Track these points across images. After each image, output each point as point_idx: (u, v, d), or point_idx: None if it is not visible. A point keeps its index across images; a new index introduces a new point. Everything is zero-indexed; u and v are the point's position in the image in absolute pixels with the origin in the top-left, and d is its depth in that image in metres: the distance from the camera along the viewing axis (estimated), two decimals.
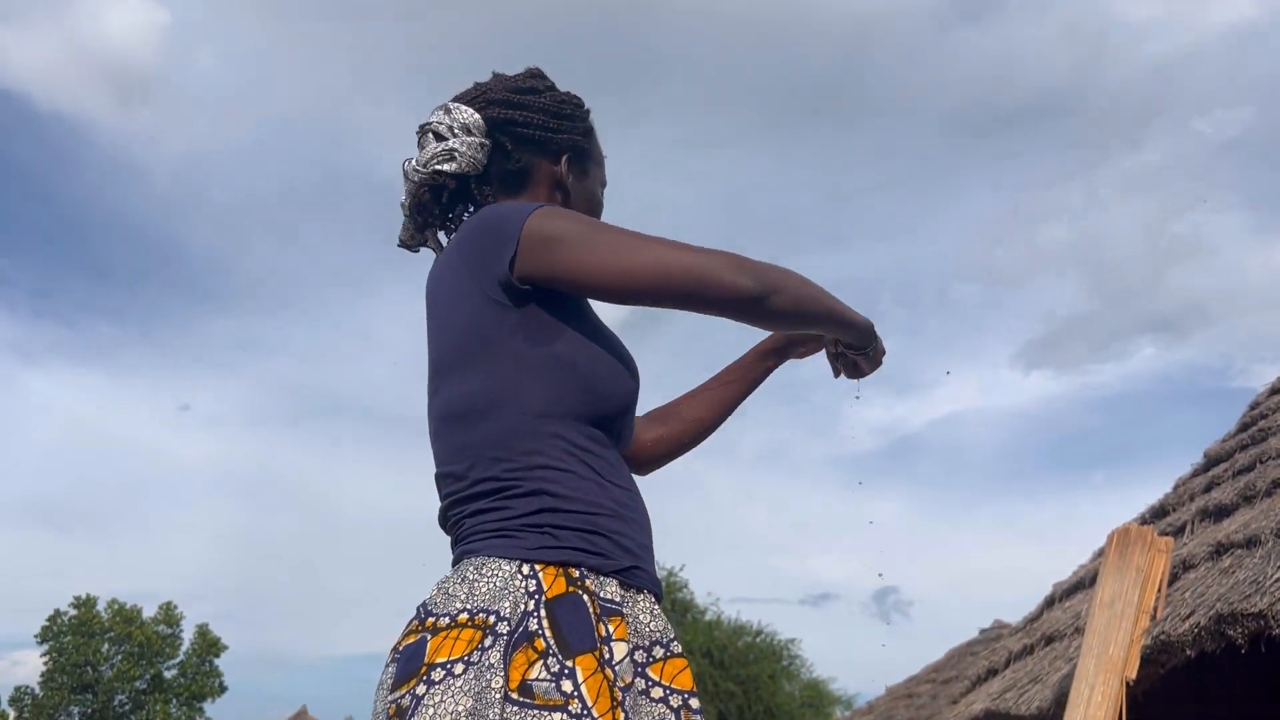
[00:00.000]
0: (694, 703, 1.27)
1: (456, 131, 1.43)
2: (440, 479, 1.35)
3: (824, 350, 1.66)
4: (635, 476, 1.60)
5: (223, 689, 27.92)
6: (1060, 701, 4.10)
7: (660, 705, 1.25)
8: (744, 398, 1.68)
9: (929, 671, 13.31)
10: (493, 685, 1.11)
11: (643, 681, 1.25)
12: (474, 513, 1.28)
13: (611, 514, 1.28)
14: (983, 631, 12.42)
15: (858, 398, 1.68)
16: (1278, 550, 3.79)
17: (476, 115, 1.43)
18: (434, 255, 1.49)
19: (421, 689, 1.13)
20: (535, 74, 1.51)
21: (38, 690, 26.45)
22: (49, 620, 27.12)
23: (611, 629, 1.21)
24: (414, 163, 1.45)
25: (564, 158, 1.48)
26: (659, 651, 1.28)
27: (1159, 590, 3.22)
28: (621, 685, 1.18)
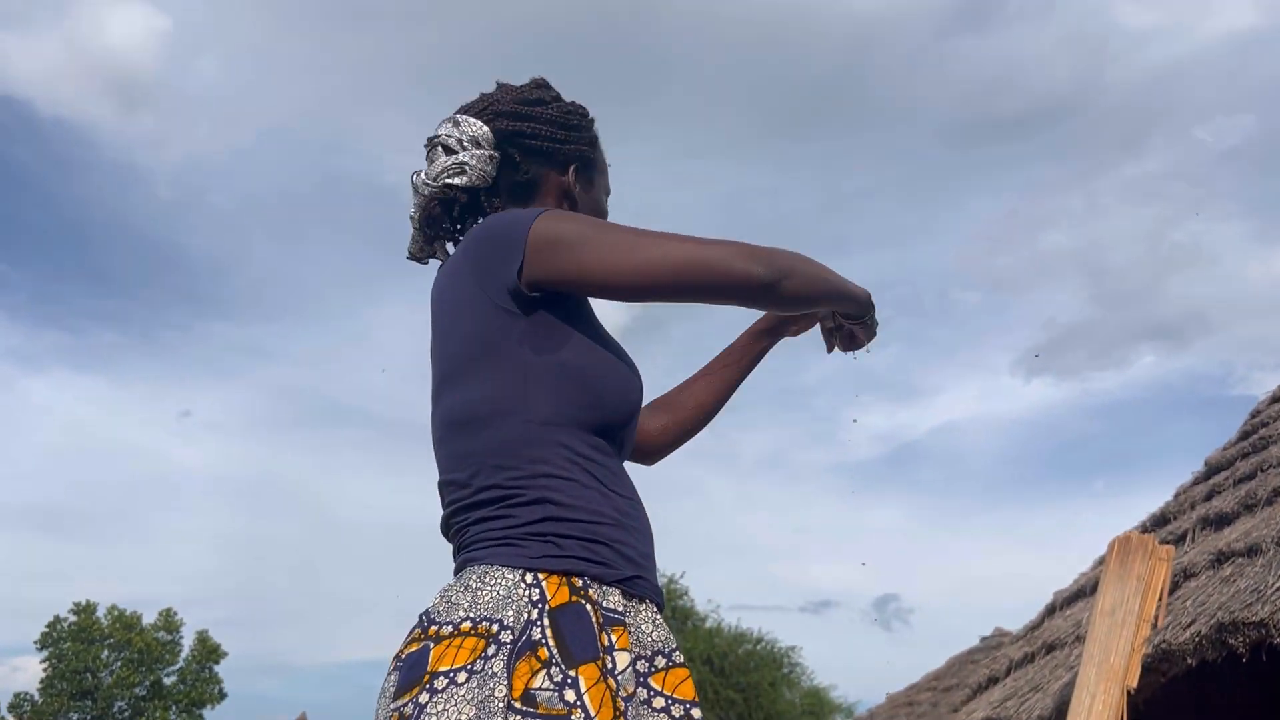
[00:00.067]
0: (696, 713, 1.27)
1: (466, 145, 1.43)
2: (443, 486, 1.35)
3: (818, 326, 1.66)
4: (643, 467, 1.61)
5: (222, 696, 27.89)
6: (1061, 710, 4.09)
7: (662, 715, 1.25)
8: (742, 380, 1.70)
9: (930, 679, 13.28)
10: (496, 694, 1.11)
11: (645, 691, 1.25)
12: (477, 521, 1.28)
13: (614, 523, 1.28)
14: (984, 639, 12.39)
15: (855, 421, 1.70)
16: (1279, 559, 3.78)
17: (485, 128, 1.44)
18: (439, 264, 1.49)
19: (424, 697, 1.13)
20: (541, 84, 1.51)
21: (37, 697, 26.40)
22: (49, 626, 27.10)
23: (614, 638, 1.21)
24: (423, 176, 1.45)
25: (571, 168, 1.48)
26: (661, 661, 1.28)
27: (1160, 599, 3.22)
28: (624, 695, 1.18)
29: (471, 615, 1.18)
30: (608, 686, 1.16)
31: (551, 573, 1.21)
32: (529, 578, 1.20)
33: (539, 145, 1.45)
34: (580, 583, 1.22)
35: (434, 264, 1.51)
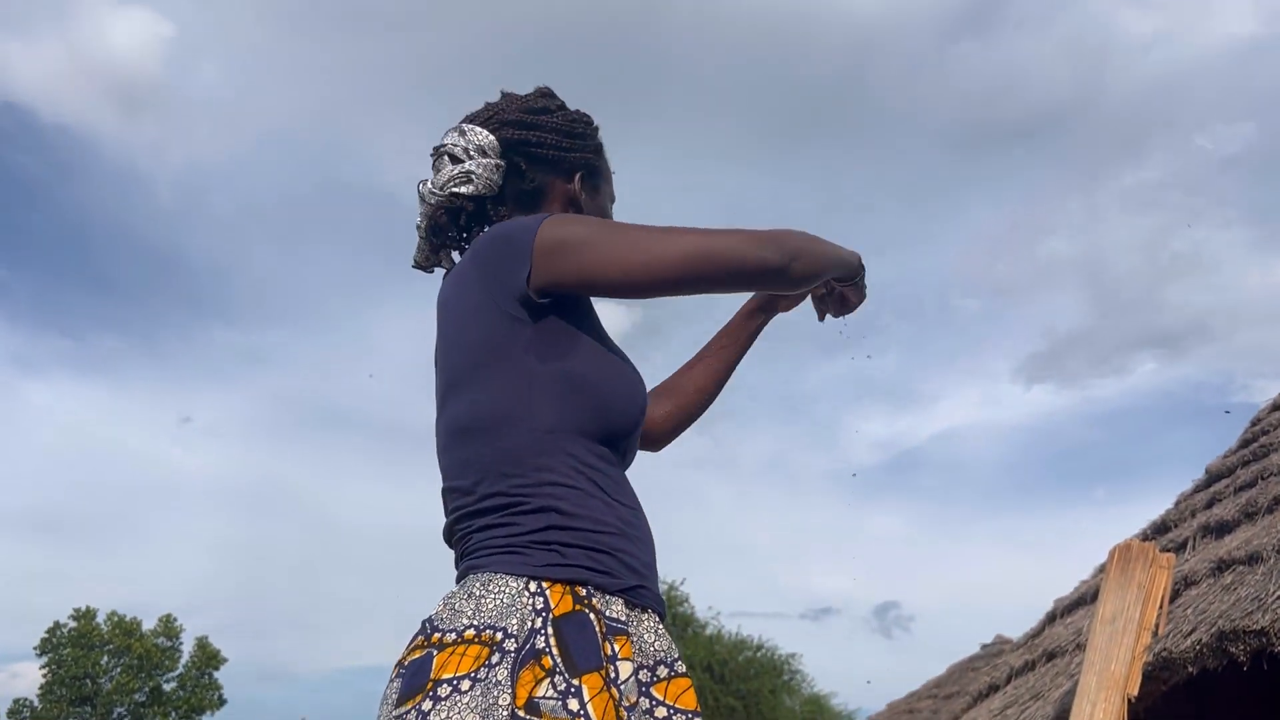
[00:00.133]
0: None
1: (472, 153, 1.44)
2: (447, 493, 1.35)
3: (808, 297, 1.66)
4: (649, 454, 1.61)
5: (222, 702, 27.84)
6: (1062, 718, 4.09)
7: None
8: (739, 359, 1.72)
9: (930, 687, 13.27)
10: (500, 702, 1.10)
11: (647, 701, 1.25)
12: (481, 528, 1.27)
13: (618, 533, 1.28)
14: (984, 647, 12.38)
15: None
16: (1279, 567, 3.78)
17: (491, 136, 1.44)
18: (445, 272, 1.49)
19: (427, 705, 1.12)
20: (546, 93, 1.52)
21: (36, 703, 26.36)
22: (48, 632, 27.06)
23: (617, 648, 1.21)
24: (430, 185, 1.46)
25: (577, 175, 1.49)
26: (663, 671, 1.28)
27: (1161, 607, 3.22)
28: (627, 705, 1.18)
29: (475, 623, 1.18)
30: (611, 696, 1.15)
31: (555, 581, 1.21)
32: (533, 586, 1.20)
33: (545, 153, 1.46)
34: (584, 592, 1.22)
35: (438, 271, 1.51)
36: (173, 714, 26.84)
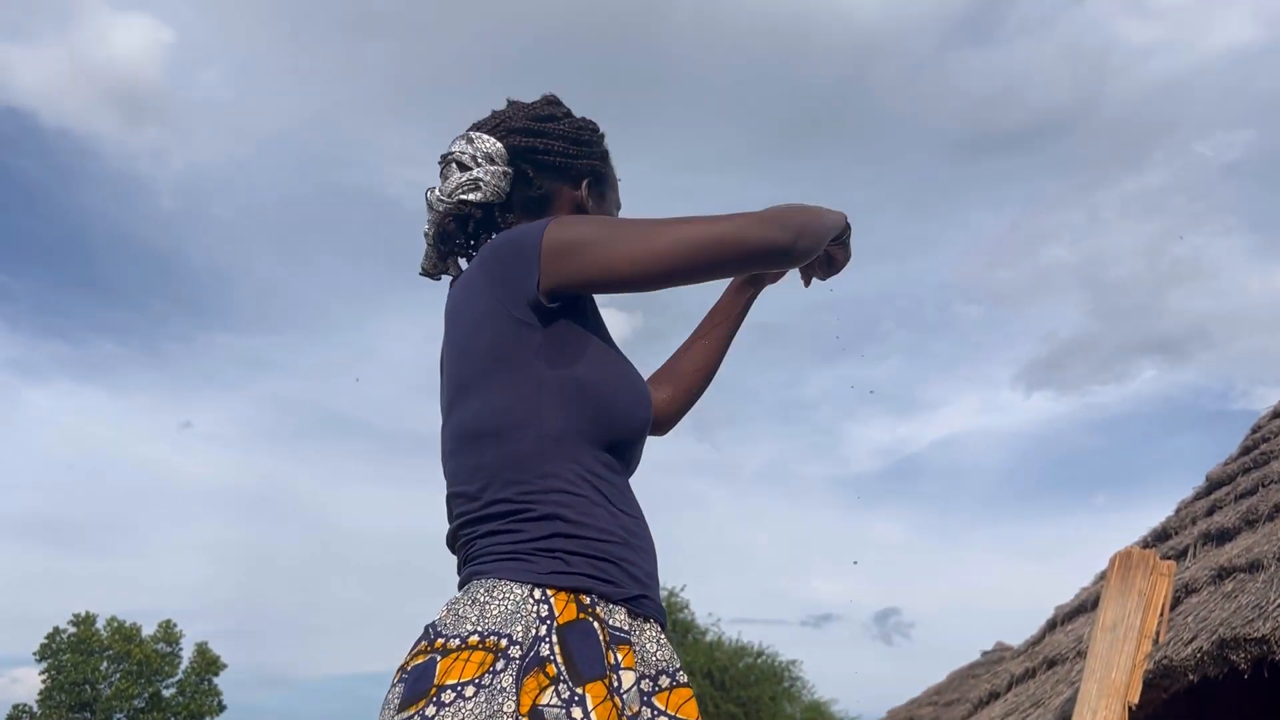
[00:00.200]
0: None
1: (480, 161, 1.45)
2: (452, 498, 1.34)
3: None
4: (656, 439, 1.62)
5: (222, 708, 27.81)
6: None
7: None
8: (733, 335, 1.73)
9: (930, 694, 13.23)
10: (504, 709, 1.10)
11: (649, 711, 1.25)
12: (486, 534, 1.27)
13: (621, 542, 1.28)
14: (985, 654, 12.35)
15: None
16: None
17: (498, 144, 1.45)
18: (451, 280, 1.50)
19: (431, 710, 1.12)
20: (552, 101, 1.53)
21: (36, 709, 26.33)
22: (48, 638, 27.04)
23: (620, 657, 1.21)
24: (438, 192, 1.46)
25: (584, 182, 1.50)
26: (665, 681, 1.28)
27: (1161, 614, 3.22)
28: (629, 714, 1.18)
29: (480, 629, 1.18)
30: (614, 705, 1.15)
31: (560, 589, 1.21)
32: (537, 593, 1.20)
33: (552, 161, 1.47)
34: (588, 600, 1.22)
35: (443, 278, 1.52)
36: None
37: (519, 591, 1.20)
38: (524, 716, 1.11)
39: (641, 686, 1.25)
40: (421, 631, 1.23)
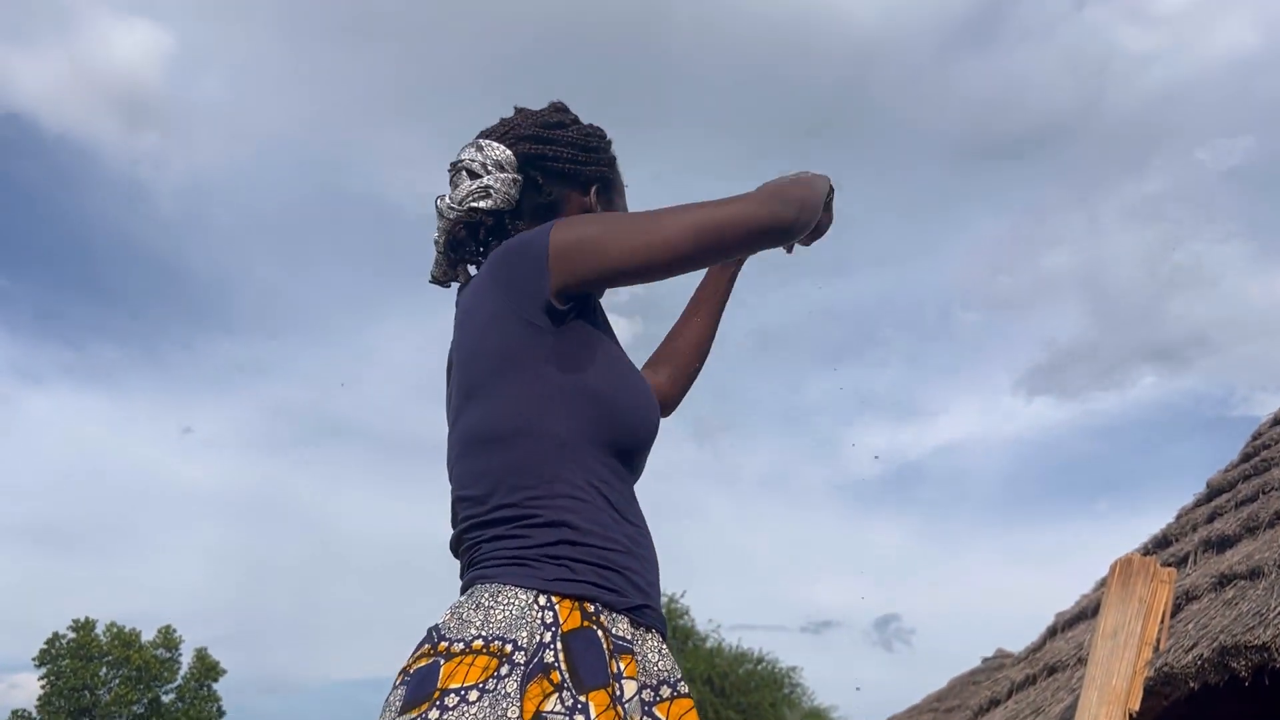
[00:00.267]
0: None
1: (490, 168, 1.45)
2: (458, 502, 1.34)
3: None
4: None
5: (221, 714, 27.79)
6: None
7: None
8: (723, 308, 1.74)
9: (931, 700, 13.21)
10: (508, 715, 1.10)
11: None
12: (491, 539, 1.27)
13: (625, 550, 1.28)
14: (985, 660, 12.34)
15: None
16: None
17: (508, 151, 1.46)
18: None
19: (434, 714, 1.11)
20: (560, 108, 1.54)
21: (35, 714, 26.30)
22: (47, 643, 27.02)
23: (622, 666, 1.21)
24: (448, 200, 1.47)
25: (593, 188, 1.51)
26: (666, 691, 1.28)
27: (1162, 621, 3.22)
28: None
29: (484, 634, 1.17)
30: (616, 714, 1.15)
31: (564, 596, 1.21)
32: (542, 599, 1.20)
33: (561, 167, 1.48)
34: (592, 608, 1.22)
35: (452, 286, 1.52)
36: None
37: (524, 597, 1.20)
38: None
39: (643, 696, 1.25)
40: (424, 634, 1.23)
